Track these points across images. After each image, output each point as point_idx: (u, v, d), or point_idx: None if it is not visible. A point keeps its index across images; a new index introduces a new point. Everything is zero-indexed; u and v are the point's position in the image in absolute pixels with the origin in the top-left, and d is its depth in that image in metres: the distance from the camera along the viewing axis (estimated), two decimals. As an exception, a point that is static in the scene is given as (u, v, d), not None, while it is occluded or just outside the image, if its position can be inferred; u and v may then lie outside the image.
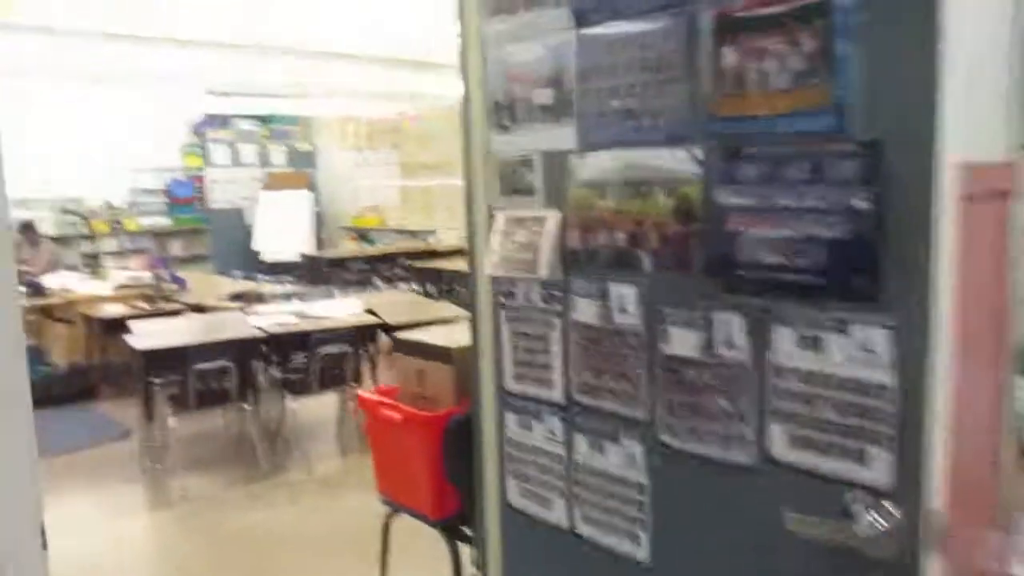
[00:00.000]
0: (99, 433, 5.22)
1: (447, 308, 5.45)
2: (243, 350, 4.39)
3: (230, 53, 8.59)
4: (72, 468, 4.82)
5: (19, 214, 11.05)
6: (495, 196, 1.85)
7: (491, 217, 1.85)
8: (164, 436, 4.56)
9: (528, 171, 1.74)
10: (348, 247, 13.19)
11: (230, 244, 13.10)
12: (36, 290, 6.26)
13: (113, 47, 7.72)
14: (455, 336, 2.77)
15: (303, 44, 8.17)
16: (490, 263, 1.81)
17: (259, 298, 6.39)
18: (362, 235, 13.23)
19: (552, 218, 1.70)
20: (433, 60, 8.39)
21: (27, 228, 8.62)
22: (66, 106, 11.21)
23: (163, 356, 4.16)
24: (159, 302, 6.38)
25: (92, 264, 10.73)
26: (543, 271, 1.69)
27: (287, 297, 6.93)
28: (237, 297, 6.30)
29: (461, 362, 2.57)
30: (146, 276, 6.57)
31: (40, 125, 11.41)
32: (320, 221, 13.42)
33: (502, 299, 1.86)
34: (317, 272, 11.43)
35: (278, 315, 4.96)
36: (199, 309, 6.12)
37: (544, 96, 1.68)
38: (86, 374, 6.06)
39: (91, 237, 11.93)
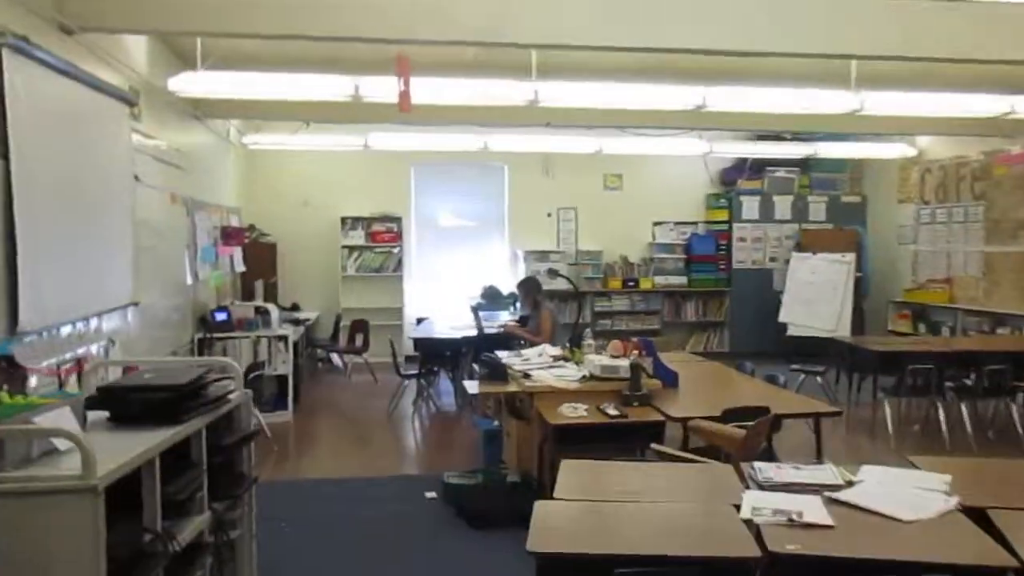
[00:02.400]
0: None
1: None
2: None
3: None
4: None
5: (544, 266, 10.69)
6: None
7: None
8: None
9: None
10: (898, 330, 10.16)
11: (752, 312, 11.13)
12: (494, 372, 5.03)
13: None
14: None
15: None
16: None
17: (775, 425, 4.22)
18: (918, 314, 10.07)
19: None
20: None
21: (526, 285, 7.78)
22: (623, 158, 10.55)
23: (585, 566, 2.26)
24: (633, 405, 4.63)
25: (595, 328, 9.77)
26: None
27: (813, 422, 4.61)
28: (742, 414, 4.20)
29: None
30: (623, 366, 4.87)
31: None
32: (862, 290, 10.63)
33: None
34: (856, 363, 8.80)
35: (802, 493, 2.72)
36: (690, 431, 4.20)
37: None
38: (532, 491, 4.54)
39: (606, 295, 11.11)
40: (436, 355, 7.87)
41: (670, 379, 5.17)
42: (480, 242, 11.18)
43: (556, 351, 5.97)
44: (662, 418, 4.47)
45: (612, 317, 11.11)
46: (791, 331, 10.60)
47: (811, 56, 5.59)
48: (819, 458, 4.64)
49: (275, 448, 6.57)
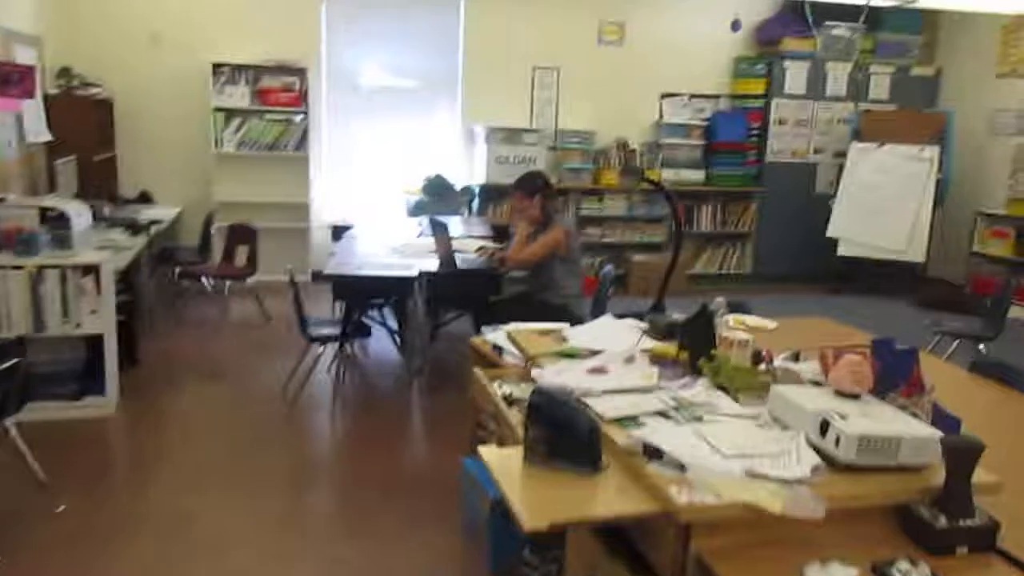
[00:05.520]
0: None
1: None
2: None
3: None
4: None
5: (515, 151, 7.46)
6: None
7: None
8: None
9: None
10: (988, 252, 7.50)
11: (786, 221, 8.30)
12: (568, 439, 1.90)
13: None
14: None
15: None
16: None
17: None
18: (1021, 232, 7.45)
19: None
20: None
21: (529, 184, 4.59)
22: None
23: None
24: (954, 551, 1.64)
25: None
26: None
27: None
28: None
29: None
30: (905, 438, 1.82)
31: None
32: (942, 196, 7.88)
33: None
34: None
35: None
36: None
37: None
38: None
39: (597, 193, 7.97)
40: (368, 298, 4.65)
41: (951, 426, 2.19)
42: (422, 112, 7.76)
43: (634, 328, 2.91)
44: None
45: (602, 224, 8.04)
46: (843, 250, 7.85)
47: None
48: None
49: (58, 505, 3.32)
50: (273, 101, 7.09)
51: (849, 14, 7.96)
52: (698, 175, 8.20)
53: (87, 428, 4.08)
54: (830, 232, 7.89)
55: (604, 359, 2.53)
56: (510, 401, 2.40)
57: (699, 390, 2.36)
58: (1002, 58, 7.88)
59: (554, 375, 2.41)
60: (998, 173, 7.86)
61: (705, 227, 8.31)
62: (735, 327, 3.06)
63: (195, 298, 6.66)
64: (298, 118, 7.14)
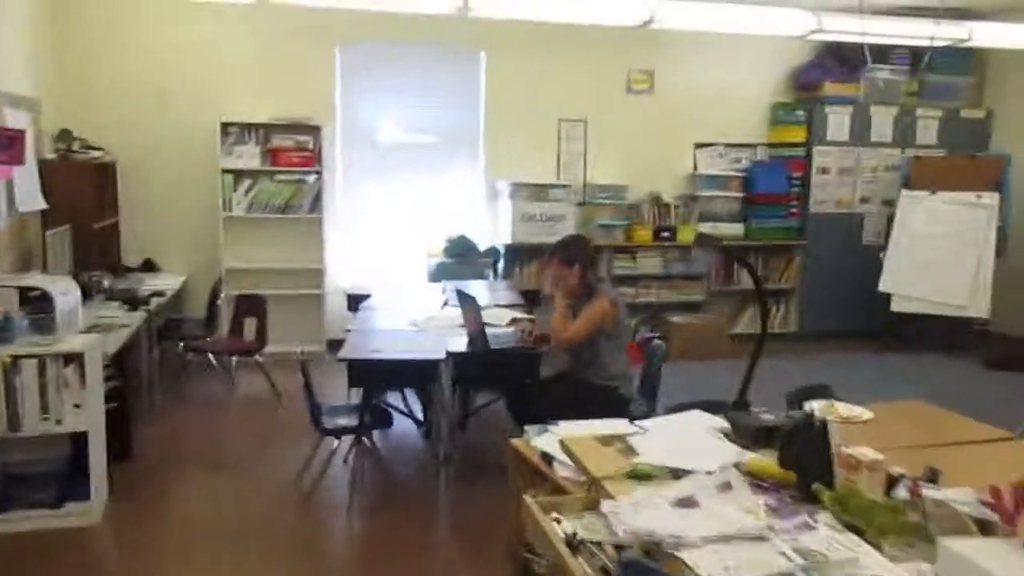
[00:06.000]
0: None
1: None
2: None
3: None
4: None
5: (541, 208, 7.00)
6: None
7: None
8: None
9: None
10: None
11: (833, 276, 7.73)
12: None
13: None
14: None
15: None
16: None
17: None
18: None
19: None
20: None
21: (570, 249, 4.08)
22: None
23: None
24: None
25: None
26: None
27: None
28: None
29: None
30: None
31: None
32: (1004, 245, 7.29)
33: None
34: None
35: None
36: None
37: None
38: None
39: (630, 251, 7.47)
40: (388, 385, 4.12)
41: None
42: (442, 169, 7.32)
43: (713, 431, 2.36)
44: None
45: (637, 283, 7.52)
46: (897, 306, 7.25)
47: None
48: None
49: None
50: (285, 161, 6.68)
51: (891, 56, 7.55)
52: (737, 229, 7.68)
53: (68, 540, 3.54)
54: (882, 287, 7.30)
55: (692, 486, 1.98)
56: (573, 546, 1.85)
57: (824, 533, 1.80)
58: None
59: (632, 513, 1.85)
60: (1064, 220, 7.30)
61: (746, 283, 7.75)
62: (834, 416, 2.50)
63: (200, 374, 6.16)
64: (312, 178, 6.72)
